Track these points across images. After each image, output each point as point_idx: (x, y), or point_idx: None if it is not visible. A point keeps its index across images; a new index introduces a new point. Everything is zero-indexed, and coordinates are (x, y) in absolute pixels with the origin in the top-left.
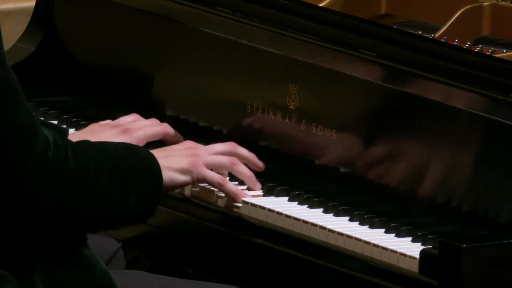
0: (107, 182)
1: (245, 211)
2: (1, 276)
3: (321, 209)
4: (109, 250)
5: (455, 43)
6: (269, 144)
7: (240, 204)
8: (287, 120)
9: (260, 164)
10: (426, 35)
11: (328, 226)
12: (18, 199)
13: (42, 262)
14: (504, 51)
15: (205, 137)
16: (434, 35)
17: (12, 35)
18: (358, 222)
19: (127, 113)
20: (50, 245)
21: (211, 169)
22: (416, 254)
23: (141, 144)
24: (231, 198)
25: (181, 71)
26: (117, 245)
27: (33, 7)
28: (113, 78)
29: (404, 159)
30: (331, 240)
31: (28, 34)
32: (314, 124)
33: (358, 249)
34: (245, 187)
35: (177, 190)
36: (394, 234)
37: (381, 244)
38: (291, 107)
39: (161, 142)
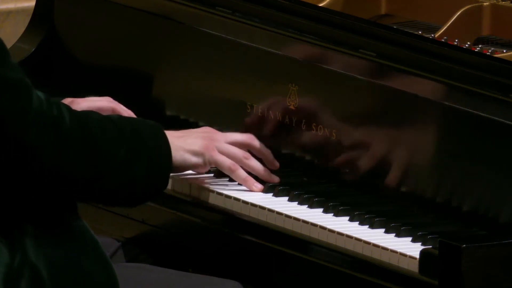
0: (110, 142)
1: (245, 211)
2: None
3: (321, 209)
4: (109, 250)
5: (455, 43)
6: (269, 144)
7: (240, 204)
8: (287, 120)
9: (275, 162)
10: (426, 35)
11: (328, 226)
12: (18, 154)
13: (32, 230)
14: (504, 51)
15: None
16: (434, 35)
17: (12, 35)
18: (358, 222)
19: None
20: (41, 213)
21: None
22: (416, 254)
23: None
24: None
25: (181, 71)
26: (117, 244)
27: (33, 7)
28: (113, 78)
29: (404, 159)
30: (331, 240)
31: (28, 34)
32: (314, 124)
33: (358, 249)
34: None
35: (177, 190)
36: (394, 234)
37: (381, 244)
38: (291, 107)
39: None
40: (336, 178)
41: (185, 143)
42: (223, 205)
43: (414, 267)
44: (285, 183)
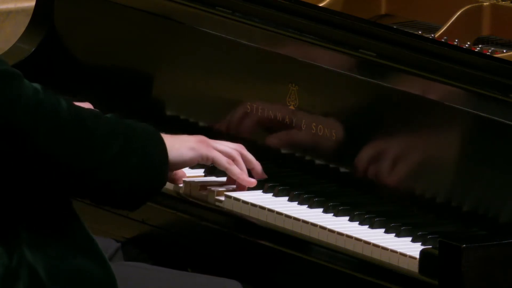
0: (105, 134)
1: (245, 211)
2: None
3: (321, 209)
4: (108, 250)
5: (455, 43)
6: (269, 144)
7: (240, 204)
8: (287, 120)
9: (264, 175)
10: (426, 35)
11: (328, 226)
12: (12, 141)
13: (29, 230)
14: (504, 51)
15: (205, 137)
16: (434, 35)
17: (12, 35)
18: (358, 222)
19: (127, 112)
20: (37, 214)
21: None
22: (416, 254)
23: None
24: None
25: (181, 71)
26: (117, 245)
27: (33, 7)
28: (113, 78)
29: (404, 159)
30: (331, 240)
31: (28, 34)
32: (314, 124)
33: (358, 249)
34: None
35: (177, 190)
36: (394, 234)
37: (381, 244)
38: (291, 107)
39: None
40: (336, 178)
41: (180, 140)
42: (223, 205)
43: (414, 267)
44: (285, 183)
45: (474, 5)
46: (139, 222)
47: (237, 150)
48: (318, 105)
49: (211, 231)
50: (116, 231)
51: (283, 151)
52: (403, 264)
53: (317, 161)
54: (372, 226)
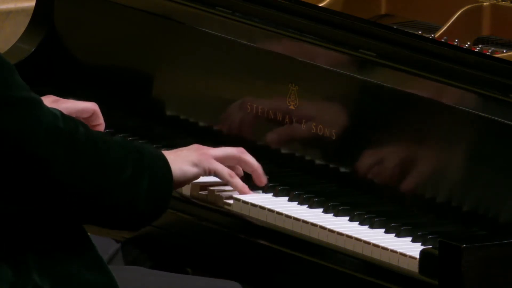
0: (118, 158)
1: (245, 211)
2: None
3: (321, 209)
4: (108, 251)
5: (455, 43)
6: (269, 144)
7: (240, 204)
8: (287, 120)
9: (264, 178)
10: (426, 35)
11: (328, 226)
12: (29, 167)
13: (36, 248)
14: (504, 51)
15: (205, 137)
16: (434, 35)
17: (12, 35)
18: (358, 222)
19: (127, 112)
20: (44, 232)
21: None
22: (416, 254)
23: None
24: (236, 192)
25: (181, 71)
26: (117, 245)
27: (33, 7)
28: (113, 78)
29: (404, 159)
30: (331, 240)
31: (28, 34)
32: (314, 124)
33: (358, 249)
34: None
35: (177, 191)
36: (394, 234)
37: (381, 244)
38: (291, 107)
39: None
40: (336, 178)
41: (180, 156)
42: (223, 205)
43: (414, 267)
44: (285, 183)
45: (474, 5)
46: None
47: (236, 157)
48: (318, 105)
49: (210, 231)
50: (116, 231)
51: (283, 151)
52: (403, 264)
53: (317, 161)
54: (372, 226)
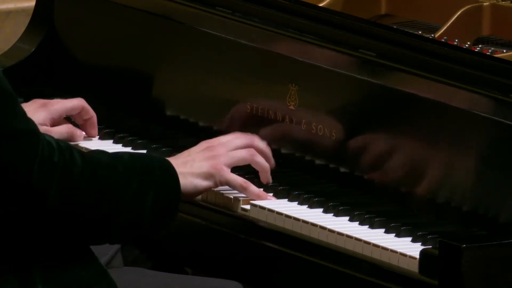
0: (120, 182)
1: (245, 211)
2: (2, 277)
3: (321, 209)
4: (108, 251)
5: (455, 43)
6: (269, 144)
7: (242, 205)
8: (287, 120)
9: (269, 178)
10: (426, 35)
11: (328, 226)
12: (27, 201)
13: (41, 259)
14: (504, 51)
15: (205, 137)
16: (434, 35)
17: (12, 35)
18: (358, 222)
19: (127, 112)
20: (49, 244)
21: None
22: (416, 254)
23: (60, 116)
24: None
25: (181, 71)
26: (117, 246)
27: (33, 7)
28: (113, 78)
29: (404, 159)
30: (331, 240)
31: (28, 34)
32: (314, 124)
33: (358, 249)
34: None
35: None
36: (394, 234)
37: (381, 244)
38: (291, 107)
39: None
40: (336, 178)
41: (192, 168)
42: (223, 206)
43: (414, 267)
44: (285, 183)
45: (474, 5)
46: None
47: (248, 145)
48: (318, 105)
49: (211, 231)
50: None
51: (283, 151)
52: (403, 264)
53: (317, 161)
54: (372, 226)
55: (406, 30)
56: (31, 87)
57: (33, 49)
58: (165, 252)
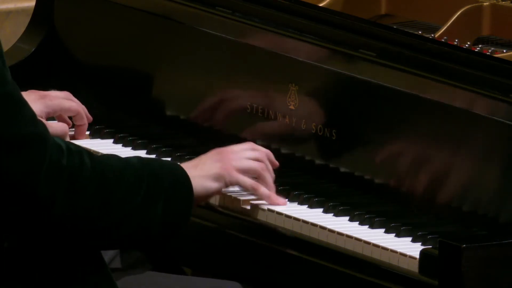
0: (129, 188)
1: (245, 212)
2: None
3: (321, 209)
4: (109, 252)
5: (455, 43)
6: (269, 144)
7: (242, 205)
8: (287, 120)
9: (275, 162)
10: (426, 35)
11: (328, 226)
12: (31, 209)
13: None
14: (504, 51)
15: (205, 137)
16: (434, 35)
17: (12, 35)
18: (358, 222)
19: (127, 112)
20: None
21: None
22: (416, 254)
23: (55, 113)
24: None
25: (181, 71)
26: None
27: (33, 7)
28: (113, 78)
29: (404, 159)
30: (331, 240)
31: (28, 34)
32: (314, 124)
33: (358, 249)
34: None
35: None
36: (394, 234)
37: (381, 244)
38: (291, 107)
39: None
40: (336, 178)
41: (202, 170)
42: (222, 205)
43: (414, 267)
44: (285, 183)
45: (474, 5)
46: None
47: (261, 163)
48: (318, 105)
49: (210, 231)
50: None
51: (283, 151)
52: (403, 264)
53: (317, 161)
54: (372, 226)
55: (406, 30)
56: (31, 87)
57: (33, 49)
58: (164, 253)
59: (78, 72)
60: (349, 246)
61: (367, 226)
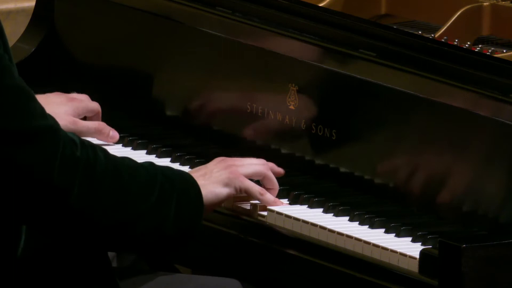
0: (143, 186)
1: (245, 212)
2: None
3: (321, 209)
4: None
5: (455, 43)
6: (269, 144)
7: (242, 205)
8: (287, 120)
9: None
10: (426, 35)
11: (328, 226)
12: (48, 200)
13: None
14: (504, 51)
15: (205, 137)
16: (434, 35)
17: (12, 35)
18: (358, 222)
19: (127, 113)
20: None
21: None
22: (416, 254)
23: (80, 115)
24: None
25: (181, 71)
26: None
27: (33, 7)
28: (113, 78)
29: (404, 159)
30: (331, 240)
31: (28, 34)
32: (314, 124)
33: (358, 249)
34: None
35: None
36: (394, 234)
37: (381, 244)
38: (291, 107)
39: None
40: (336, 178)
41: (211, 178)
42: (223, 205)
43: (414, 267)
44: (285, 183)
45: (474, 5)
46: None
47: (264, 164)
48: (318, 105)
49: (210, 231)
50: None
51: (283, 151)
52: (403, 264)
53: (317, 161)
54: (372, 226)
55: (406, 30)
56: (31, 87)
57: (33, 49)
58: (163, 255)
59: (78, 72)
60: (349, 246)
61: (367, 226)
